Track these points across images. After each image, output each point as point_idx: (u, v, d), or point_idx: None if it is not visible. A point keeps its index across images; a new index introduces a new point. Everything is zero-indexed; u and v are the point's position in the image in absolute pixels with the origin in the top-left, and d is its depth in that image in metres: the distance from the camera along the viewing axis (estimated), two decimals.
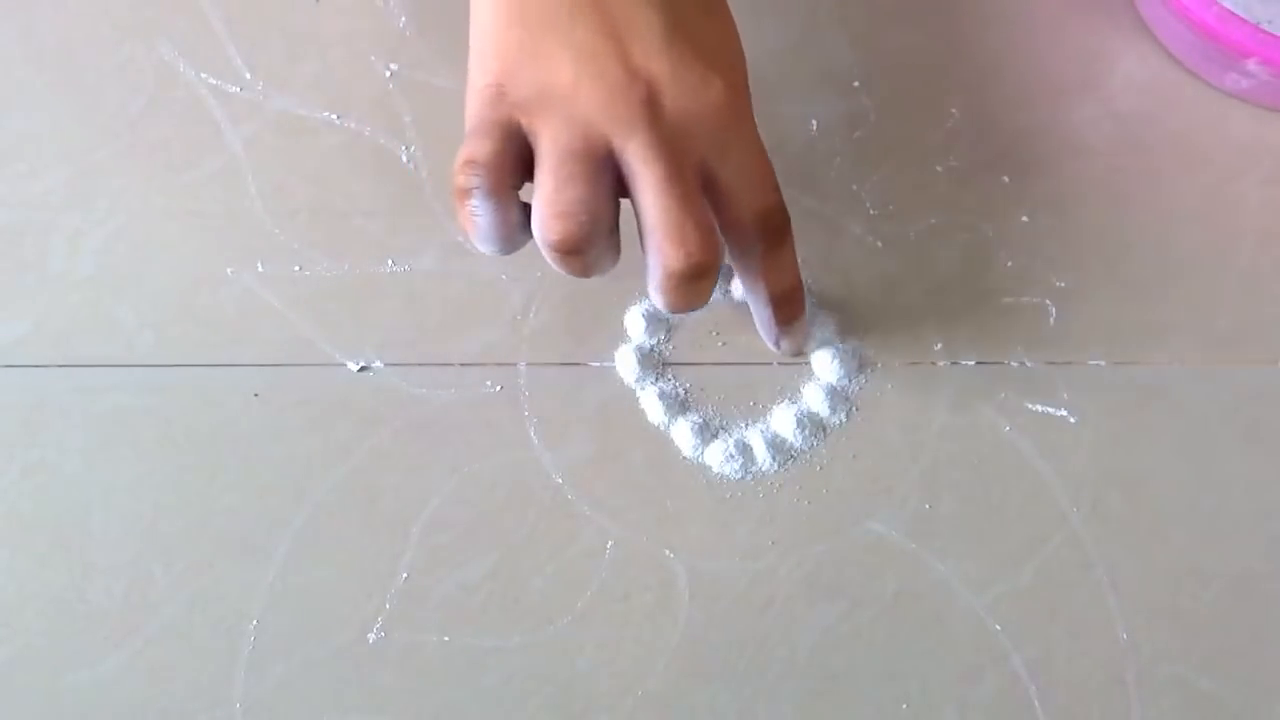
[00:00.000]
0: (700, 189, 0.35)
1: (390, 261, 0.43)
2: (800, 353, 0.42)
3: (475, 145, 0.34)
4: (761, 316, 0.40)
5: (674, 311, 0.36)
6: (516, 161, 0.34)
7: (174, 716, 0.39)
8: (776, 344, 0.41)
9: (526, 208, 0.35)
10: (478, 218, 0.34)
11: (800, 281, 0.40)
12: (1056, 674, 0.39)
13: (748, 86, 0.36)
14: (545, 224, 0.33)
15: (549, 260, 0.35)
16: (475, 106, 0.35)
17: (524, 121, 0.34)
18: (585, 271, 0.35)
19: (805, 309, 0.40)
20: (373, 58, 0.46)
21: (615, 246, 0.35)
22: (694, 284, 0.35)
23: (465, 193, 0.34)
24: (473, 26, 0.36)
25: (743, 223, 0.36)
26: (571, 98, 0.34)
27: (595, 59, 0.34)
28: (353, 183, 0.44)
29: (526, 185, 0.35)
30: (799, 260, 0.42)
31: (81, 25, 0.46)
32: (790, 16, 0.46)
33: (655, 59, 0.34)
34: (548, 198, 0.33)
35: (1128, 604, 0.40)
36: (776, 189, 0.37)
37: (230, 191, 0.44)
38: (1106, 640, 0.40)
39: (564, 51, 0.34)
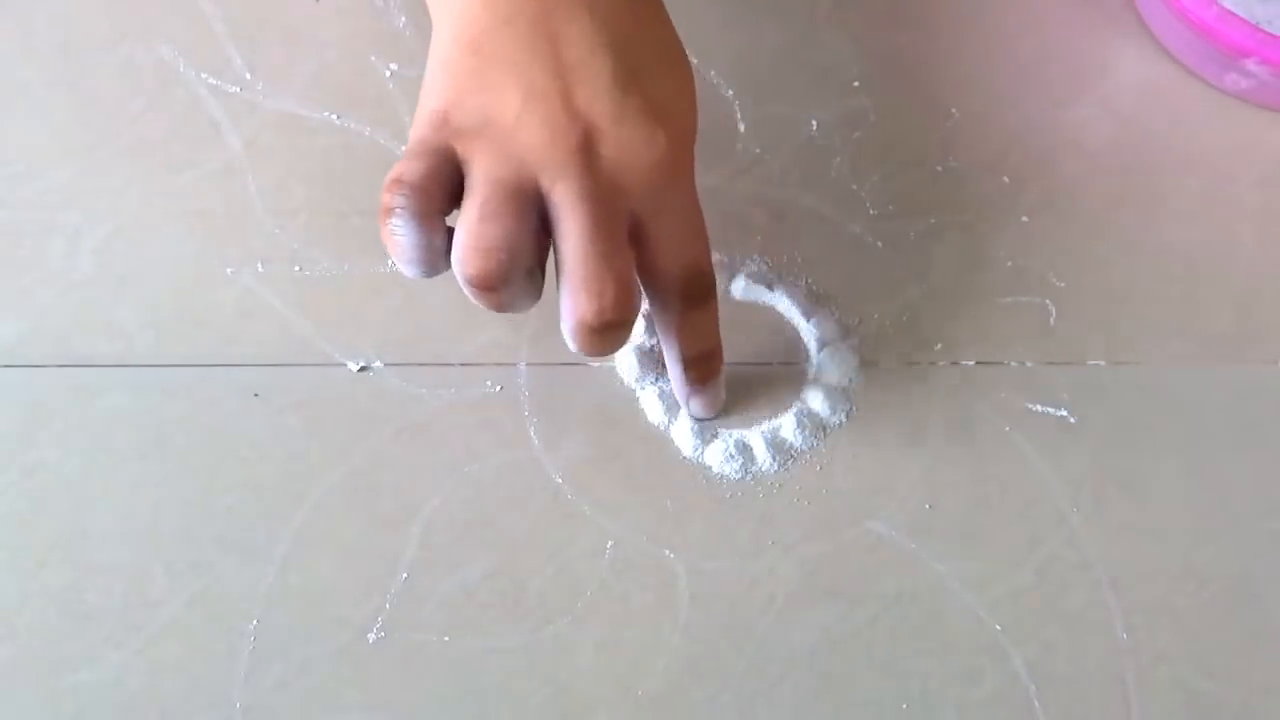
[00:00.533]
0: (626, 241, 0.34)
1: (390, 261, 0.43)
2: (710, 417, 0.41)
3: (406, 166, 0.33)
4: (674, 373, 0.40)
5: (585, 354, 0.36)
6: (446, 187, 0.33)
7: (174, 716, 0.39)
8: (687, 403, 0.41)
9: (452, 234, 0.34)
10: (398, 238, 0.33)
11: (719, 347, 0.39)
12: (1056, 674, 0.39)
13: (693, 144, 0.36)
14: (464, 257, 0.33)
15: (465, 292, 0.34)
16: (417, 129, 0.34)
17: (460, 149, 0.34)
18: (500, 308, 0.34)
19: (721, 375, 0.40)
20: (373, 58, 0.46)
21: (536, 288, 0.35)
22: (604, 336, 0.34)
23: (389, 211, 0.33)
24: (431, 52, 0.35)
25: (664, 281, 0.36)
26: (510, 133, 0.33)
27: (542, 99, 0.33)
28: (353, 183, 0.44)
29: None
30: (798, 260, 0.42)
31: (81, 25, 0.46)
32: (790, 16, 0.46)
33: (599, 104, 0.33)
34: (470, 230, 0.33)
35: (1128, 604, 0.40)
36: (706, 252, 0.36)
37: (230, 191, 0.44)
38: (1106, 640, 0.40)
39: (513, 87, 0.33)
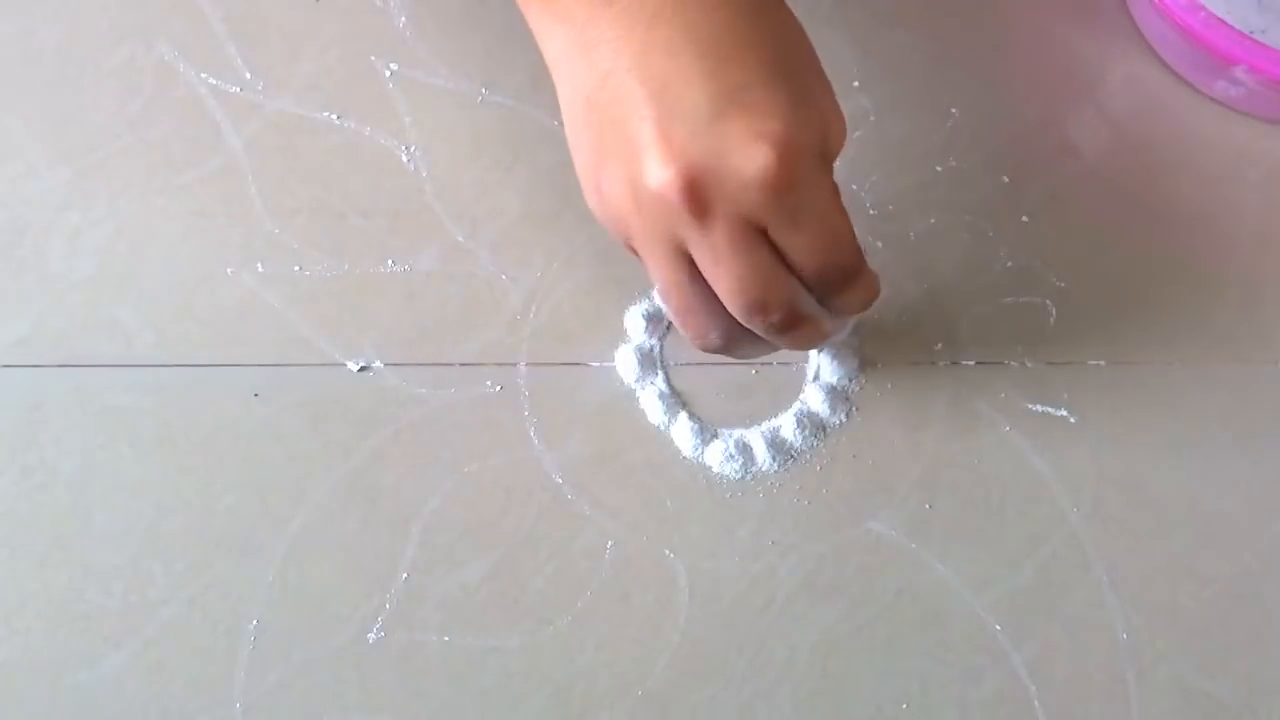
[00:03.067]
0: (759, 251, 0.34)
1: (390, 261, 0.43)
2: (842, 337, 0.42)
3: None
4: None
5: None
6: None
7: (174, 716, 0.39)
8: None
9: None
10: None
11: (872, 296, 0.37)
12: (1056, 674, 0.39)
13: (818, 145, 0.33)
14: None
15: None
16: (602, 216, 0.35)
17: (628, 240, 0.35)
18: (751, 355, 0.39)
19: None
20: (373, 58, 0.46)
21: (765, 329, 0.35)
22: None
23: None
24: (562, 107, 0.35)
25: (806, 280, 0.35)
26: (632, 204, 0.34)
27: (641, 156, 0.33)
28: (353, 183, 0.44)
29: None
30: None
31: (81, 25, 0.46)
32: None
33: (695, 144, 0.32)
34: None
35: (1128, 604, 0.40)
36: (844, 250, 0.35)
37: (230, 191, 0.44)
38: (1106, 640, 0.40)
39: (615, 156, 0.33)
